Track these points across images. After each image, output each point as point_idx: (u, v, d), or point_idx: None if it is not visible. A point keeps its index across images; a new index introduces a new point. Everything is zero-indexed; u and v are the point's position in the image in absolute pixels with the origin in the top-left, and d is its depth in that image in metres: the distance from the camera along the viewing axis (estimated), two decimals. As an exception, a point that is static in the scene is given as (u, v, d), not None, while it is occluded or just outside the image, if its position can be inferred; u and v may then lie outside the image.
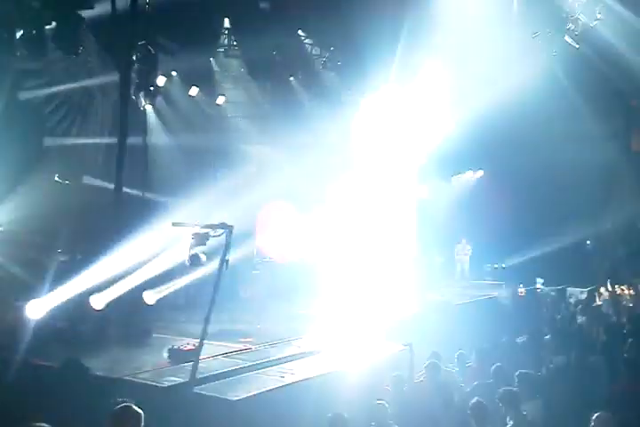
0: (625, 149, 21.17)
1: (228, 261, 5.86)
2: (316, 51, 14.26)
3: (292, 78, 14.26)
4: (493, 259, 18.87)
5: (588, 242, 19.62)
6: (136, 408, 3.83)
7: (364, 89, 14.36)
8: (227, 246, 5.93)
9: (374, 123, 15.95)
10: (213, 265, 6.00)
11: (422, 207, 18.03)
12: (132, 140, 9.70)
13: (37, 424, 3.60)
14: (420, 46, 13.05)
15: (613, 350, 8.82)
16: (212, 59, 12.31)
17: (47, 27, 7.68)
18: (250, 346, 8.43)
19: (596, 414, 5.11)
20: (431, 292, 14.09)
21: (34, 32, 7.69)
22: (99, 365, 6.98)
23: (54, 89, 8.63)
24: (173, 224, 6.24)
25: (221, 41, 12.33)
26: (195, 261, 6.06)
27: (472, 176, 21.09)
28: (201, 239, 5.96)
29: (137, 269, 8.92)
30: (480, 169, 20.95)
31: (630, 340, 9.08)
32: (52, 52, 8.20)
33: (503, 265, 18.69)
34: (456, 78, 14.34)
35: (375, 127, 15.91)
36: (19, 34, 7.72)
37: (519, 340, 9.63)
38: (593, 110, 17.84)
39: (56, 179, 8.83)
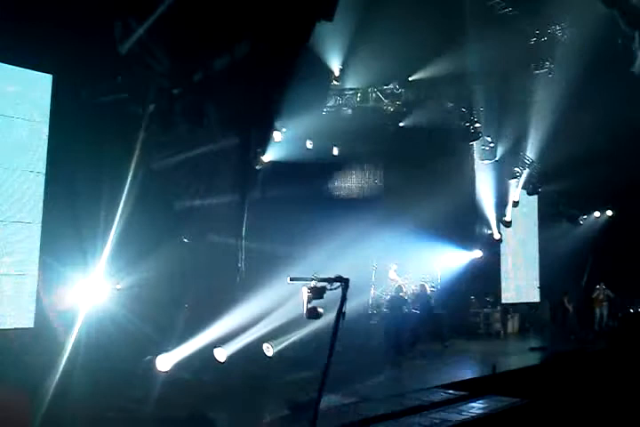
0: None
1: (344, 313, 5.98)
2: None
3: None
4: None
5: None
6: None
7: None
8: (343, 299, 6.09)
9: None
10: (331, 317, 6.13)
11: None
12: (252, 196, 10.38)
13: None
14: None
15: None
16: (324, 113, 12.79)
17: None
18: (367, 398, 8.43)
19: None
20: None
21: (164, 107, 8.56)
22: (223, 417, 7.26)
23: (182, 156, 9.44)
24: (291, 279, 6.50)
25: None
26: (312, 314, 6.23)
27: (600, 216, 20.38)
28: (318, 293, 6.16)
29: (258, 321, 9.31)
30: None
31: None
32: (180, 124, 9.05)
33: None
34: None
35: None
36: (151, 109, 8.63)
37: None
38: None
39: (183, 239, 9.53)
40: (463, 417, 7.63)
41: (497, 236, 17.78)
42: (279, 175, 10.87)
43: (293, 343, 9.80)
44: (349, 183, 13.77)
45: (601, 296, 16.99)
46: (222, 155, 10.20)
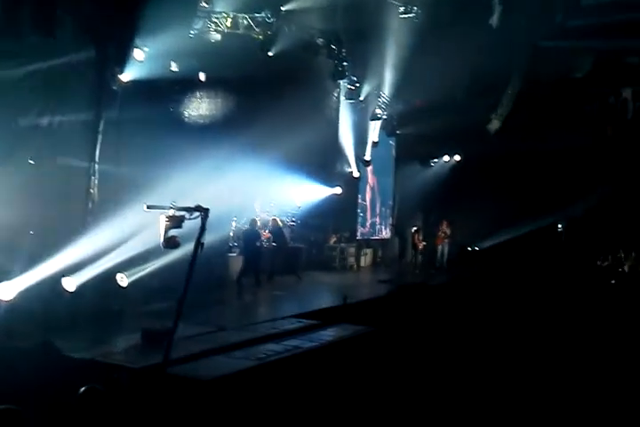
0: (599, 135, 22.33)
1: (203, 244, 5.85)
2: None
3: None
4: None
5: (560, 226, 20.08)
6: (101, 389, 3.85)
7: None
8: (202, 229, 5.94)
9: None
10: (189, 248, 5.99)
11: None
12: (108, 116, 9.64)
13: (5, 406, 3.60)
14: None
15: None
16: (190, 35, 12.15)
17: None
18: (223, 328, 8.52)
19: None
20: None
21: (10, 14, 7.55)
22: (71, 346, 7.00)
23: (30, 68, 8.48)
24: (147, 207, 6.21)
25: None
26: (170, 244, 6.05)
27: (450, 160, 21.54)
28: (176, 222, 5.96)
29: (111, 250, 8.91)
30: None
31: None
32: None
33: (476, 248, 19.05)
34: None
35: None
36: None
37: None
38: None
39: (29, 161, 8.72)
40: (314, 344, 7.99)
41: (356, 174, 18.31)
42: (139, 96, 10.13)
43: (150, 274, 9.55)
44: (214, 110, 13.28)
45: (442, 234, 18.17)
46: (76, 70, 9.31)
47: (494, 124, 24.70)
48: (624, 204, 19.91)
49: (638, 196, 19.63)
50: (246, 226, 13.46)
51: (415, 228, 18.59)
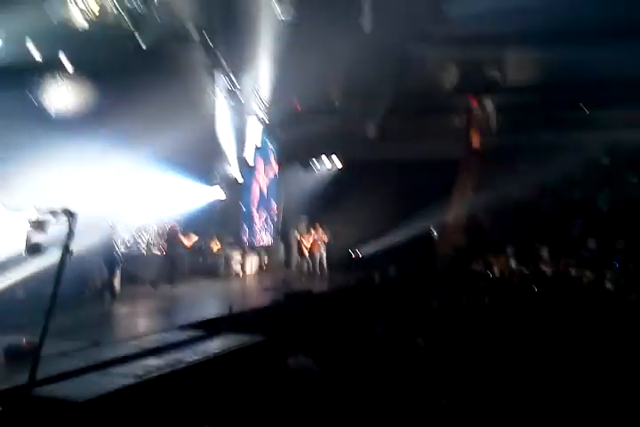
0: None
1: (71, 251, 5.31)
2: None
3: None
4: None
5: (434, 231, 20.90)
6: None
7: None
8: (69, 235, 5.41)
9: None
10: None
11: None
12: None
13: None
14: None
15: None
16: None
17: None
18: (99, 342, 7.87)
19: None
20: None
21: None
22: None
23: None
24: (8, 209, 5.57)
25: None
26: (33, 250, 5.45)
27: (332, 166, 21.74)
28: (40, 227, 5.38)
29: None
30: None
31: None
32: None
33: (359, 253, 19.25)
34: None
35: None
36: None
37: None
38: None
39: None
40: (198, 357, 7.55)
41: (240, 180, 17.95)
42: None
43: (13, 284, 8.67)
44: (81, 101, 12.31)
45: (316, 240, 18.22)
46: None
47: (371, 131, 25.37)
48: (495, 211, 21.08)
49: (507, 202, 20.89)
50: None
51: (299, 233, 18.52)
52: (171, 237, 14.52)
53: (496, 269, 17.45)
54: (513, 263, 17.71)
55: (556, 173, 20.70)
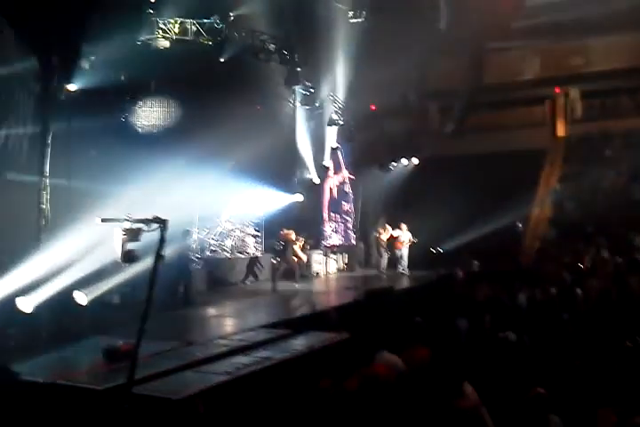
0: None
1: (163, 256, 5.60)
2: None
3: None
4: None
5: (519, 224, 20.32)
6: None
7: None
8: (161, 241, 5.70)
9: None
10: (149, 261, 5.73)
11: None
12: (56, 128, 9.28)
13: None
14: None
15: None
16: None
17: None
18: (191, 342, 8.23)
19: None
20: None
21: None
22: (29, 370, 6.63)
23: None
24: (102, 220, 5.93)
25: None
26: (128, 257, 5.79)
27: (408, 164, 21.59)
28: (133, 235, 5.71)
29: (67, 267, 8.55)
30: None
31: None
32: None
33: (440, 249, 19.05)
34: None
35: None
36: None
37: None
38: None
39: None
40: (285, 354, 7.75)
41: (317, 180, 18.17)
42: (89, 106, 9.85)
43: (109, 290, 9.19)
44: (167, 119, 13.01)
45: (400, 238, 18.10)
46: (21, 81, 8.97)
47: (450, 127, 25.06)
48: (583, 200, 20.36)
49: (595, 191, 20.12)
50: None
51: (379, 232, 18.50)
52: (283, 239, 14.85)
53: (587, 261, 16.81)
54: (605, 253, 17.01)
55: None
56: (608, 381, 6.91)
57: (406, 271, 17.66)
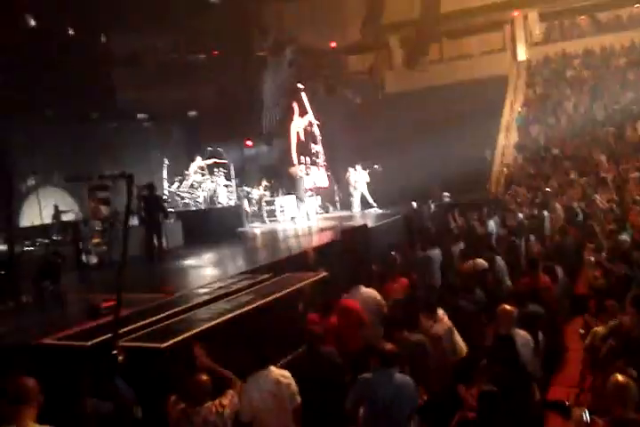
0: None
1: (132, 211, 5.62)
2: None
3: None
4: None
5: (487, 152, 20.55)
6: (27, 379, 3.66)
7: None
8: (129, 197, 5.69)
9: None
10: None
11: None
12: None
13: None
14: None
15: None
16: None
17: None
18: (171, 293, 8.35)
19: (500, 307, 5.52)
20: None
21: None
22: (14, 332, 6.71)
23: None
24: (67, 179, 5.90)
25: None
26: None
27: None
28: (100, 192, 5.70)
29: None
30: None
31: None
32: None
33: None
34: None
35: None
36: None
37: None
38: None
39: None
40: (266, 297, 7.89)
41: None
42: None
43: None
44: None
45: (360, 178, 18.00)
46: None
47: (411, 59, 24.78)
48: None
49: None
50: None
51: (347, 173, 18.42)
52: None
53: (554, 183, 17.07)
54: (572, 175, 17.30)
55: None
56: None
57: (376, 207, 17.81)
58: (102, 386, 5.07)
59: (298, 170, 15.75)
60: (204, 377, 4.89)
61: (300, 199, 16.22)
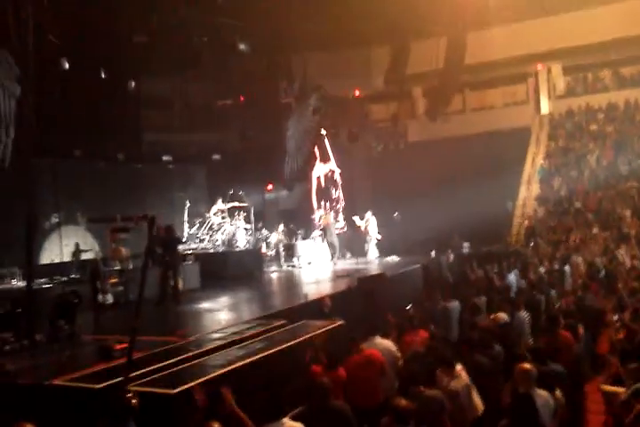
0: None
1: (153, 252, 5.66)
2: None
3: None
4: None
5: (509, 203, 20.46)
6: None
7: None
8: (150, 238, 5.74)
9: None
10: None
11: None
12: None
13: None
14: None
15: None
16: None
17: None
18: (186, 337, 8.28)
19: (519, 365, 5.37)
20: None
21: None
22: (26, 372, 6.67)
23: None
24: (90, 220, 5.98)
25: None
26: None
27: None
28: (122, 233, 5.76)
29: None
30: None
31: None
32: None
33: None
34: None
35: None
36: None
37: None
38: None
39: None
40: (279, 344, 7.79)
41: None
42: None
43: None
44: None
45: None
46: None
47: (434, 110, 25.10)
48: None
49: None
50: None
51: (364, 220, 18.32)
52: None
53: (575, 237, 16.91)
54: (594, 229, 17.13)
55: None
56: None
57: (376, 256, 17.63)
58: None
59: (330, 217, 16.01)
60: (216, 425, 4.77)
61: (331, 244, 16.35)
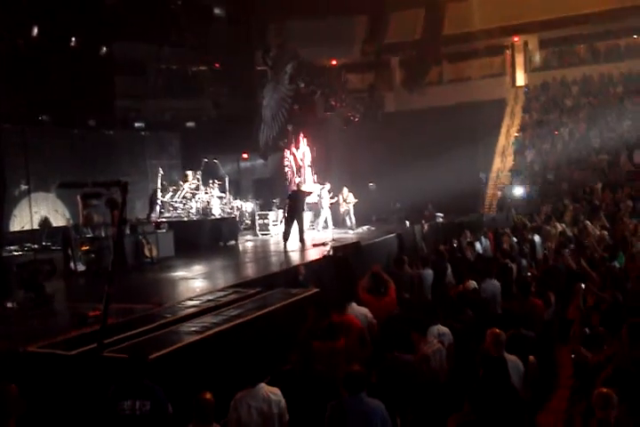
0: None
1: (125, 219, 5.58)
2: None
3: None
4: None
5: (482, 174, 20.63)
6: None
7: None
8: (123, 205, 5.64)
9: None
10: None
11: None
12: None
13: None
14: None
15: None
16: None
17: None
18: (161, 304, 8.26)
19: (489, 330, 5.47)
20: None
21: None
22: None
23: None
24: (61, 185, 5.87)
25: None
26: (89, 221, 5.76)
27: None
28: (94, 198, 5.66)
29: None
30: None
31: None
32: None
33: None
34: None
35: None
36: None
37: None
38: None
39: None
40: (254, 312, 7.82)
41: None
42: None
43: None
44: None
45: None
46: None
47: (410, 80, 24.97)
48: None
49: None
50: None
51: (342, 192, 18.22)
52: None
53: (547, 209, 17.13)
54: (566, 201, 17.37)
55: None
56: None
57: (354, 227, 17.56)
58: (135, 387, 5.12)
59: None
60: (209, 396, 4.77)
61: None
